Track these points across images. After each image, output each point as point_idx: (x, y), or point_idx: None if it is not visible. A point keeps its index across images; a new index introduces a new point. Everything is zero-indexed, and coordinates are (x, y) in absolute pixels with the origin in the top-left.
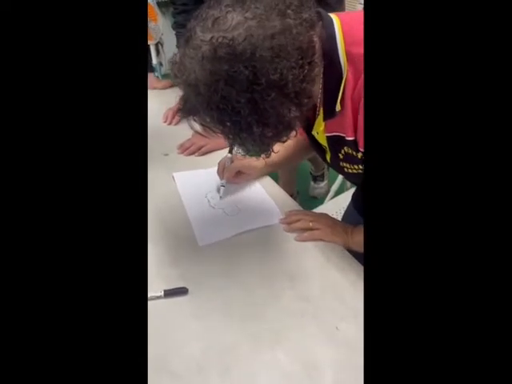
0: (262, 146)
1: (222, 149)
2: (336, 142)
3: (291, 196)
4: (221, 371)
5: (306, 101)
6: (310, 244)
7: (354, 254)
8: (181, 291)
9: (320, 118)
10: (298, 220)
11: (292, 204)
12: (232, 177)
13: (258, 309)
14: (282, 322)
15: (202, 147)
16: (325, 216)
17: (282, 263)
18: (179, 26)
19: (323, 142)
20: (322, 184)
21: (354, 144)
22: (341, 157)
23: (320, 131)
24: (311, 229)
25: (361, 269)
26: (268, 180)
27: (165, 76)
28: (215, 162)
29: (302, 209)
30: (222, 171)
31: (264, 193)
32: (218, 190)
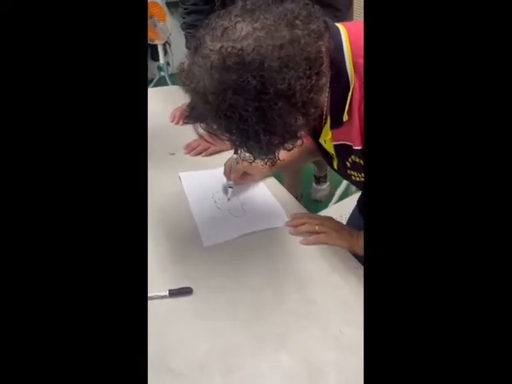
0: (268, 154)
1: (229, 150)
2: (343, 151)
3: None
4: (224, 372)
5: (312, 110)
6: (315, 247)
7: (360, 258)
8: (185, 291)
9: (327, 126)
10: (304, 223)
11: (297, 206)
12: (238, 178)
13: (263, 310)
14: (285, 324)
15: (208, 147)
16: (330, 219)
17: (287, 266)
18: (189, 27)
19: (330, 149)
20: (325, 186)
21: (361, 153)
22: (348, 165)
23: (327, 139)
24: (317, 232)
25: None
26: (273, 182)
27: (172, 76)
28: (222, 162)
29: (307, 211)
30: (228, 172)
31: (270, 195)
32: (226, 191)
